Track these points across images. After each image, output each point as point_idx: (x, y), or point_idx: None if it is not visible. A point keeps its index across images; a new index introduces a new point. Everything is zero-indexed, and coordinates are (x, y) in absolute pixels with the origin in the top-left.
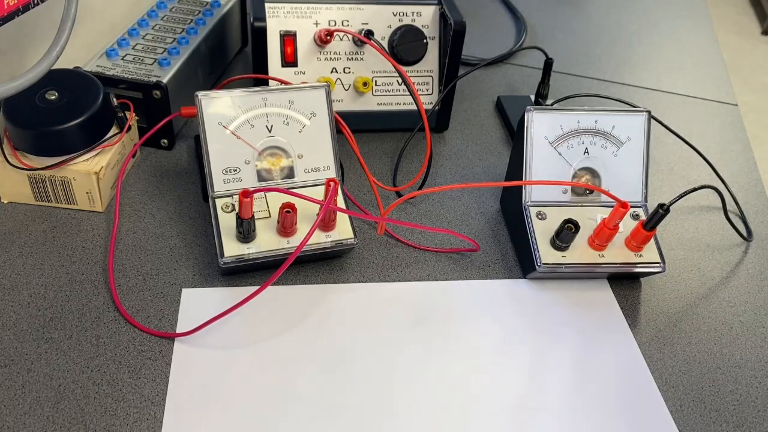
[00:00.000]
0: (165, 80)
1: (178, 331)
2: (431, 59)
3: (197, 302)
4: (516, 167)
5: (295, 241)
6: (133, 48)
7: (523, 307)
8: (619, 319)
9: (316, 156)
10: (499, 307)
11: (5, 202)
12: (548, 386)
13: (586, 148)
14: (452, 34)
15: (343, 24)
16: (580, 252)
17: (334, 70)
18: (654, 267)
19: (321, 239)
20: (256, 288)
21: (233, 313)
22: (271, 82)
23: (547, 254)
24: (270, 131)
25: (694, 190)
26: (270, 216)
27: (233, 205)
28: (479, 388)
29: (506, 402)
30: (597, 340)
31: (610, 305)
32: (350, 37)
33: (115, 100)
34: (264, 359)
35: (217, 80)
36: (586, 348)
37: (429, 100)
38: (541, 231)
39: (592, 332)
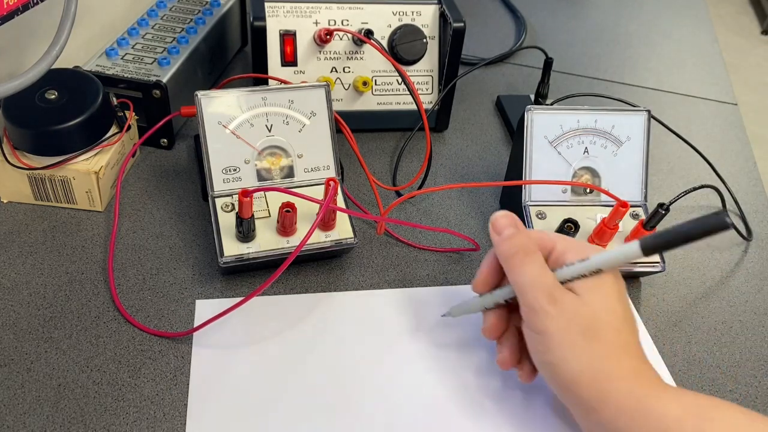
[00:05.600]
0: (165, 80)
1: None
2: (431, 59)
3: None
4: (516, 167)
5: (294, 241)
6: (132, 47)
7: None
8: None
9: (315, 155)
10: None
11: (5, 201)
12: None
13: (586, 148)
14: (452, 34)
15: (342, 23)
16: None
17: (333, 70)
18: (654, 267)
19: (321, 239)
20: (255, 288)
21: (233, 312)
22: (270, 81)
23: None
24: (270, 131)
25: (694, 189)
26: (270, 215)
27: (233, 204)
28: (479, 388)
29: (507, 402)
30: None
31: None
32: (350, 36)
33: (114, 99)
34: (263, 359)
35: (216, 80)
36: None
37: (429, 99)
38: (541, 230)
39: None
